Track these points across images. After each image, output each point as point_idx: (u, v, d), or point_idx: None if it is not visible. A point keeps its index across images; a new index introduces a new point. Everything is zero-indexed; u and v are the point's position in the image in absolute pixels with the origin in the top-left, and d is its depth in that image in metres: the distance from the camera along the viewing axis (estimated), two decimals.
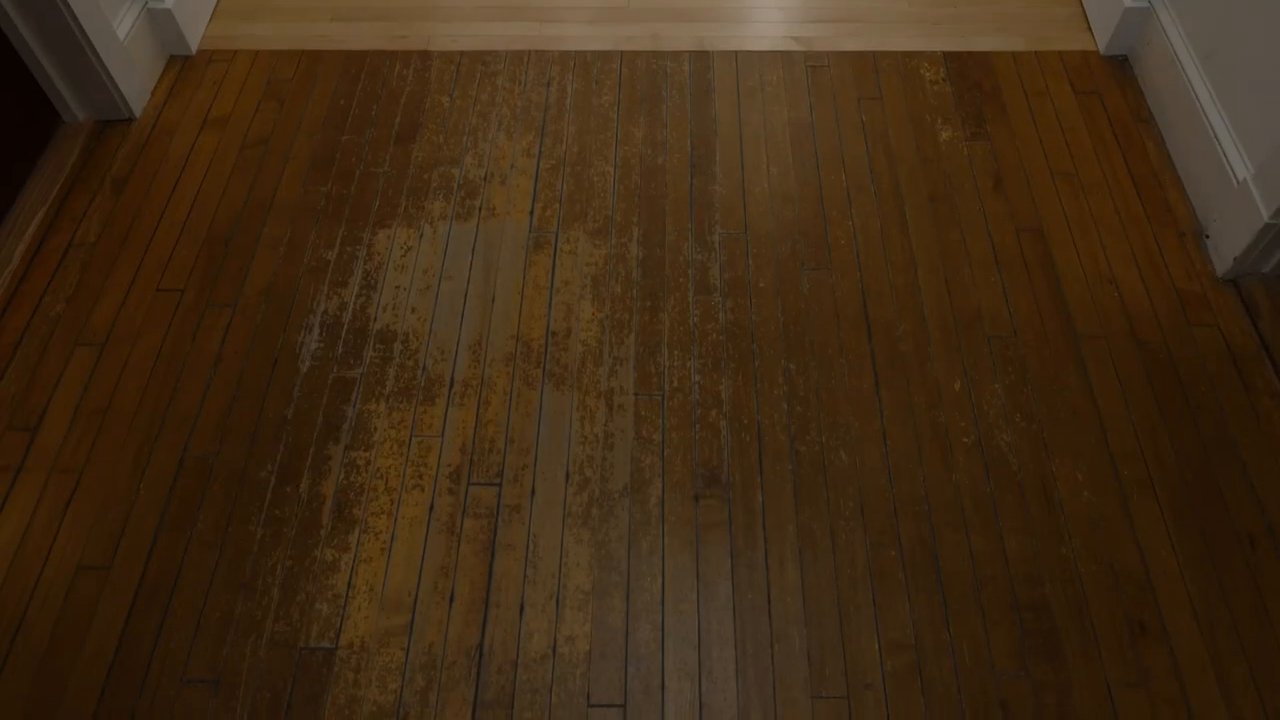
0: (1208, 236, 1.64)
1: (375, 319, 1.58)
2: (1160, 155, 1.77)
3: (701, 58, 1.95)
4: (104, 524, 1.37)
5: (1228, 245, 1.58)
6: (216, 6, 2.08)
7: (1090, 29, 1.98)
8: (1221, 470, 1.39)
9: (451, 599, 1.31)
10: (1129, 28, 1.88)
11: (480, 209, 1.72)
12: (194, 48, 1.99)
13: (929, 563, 1.32)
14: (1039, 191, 1.72)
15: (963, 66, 1.92)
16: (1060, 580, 1.30)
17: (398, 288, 1.62)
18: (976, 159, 1.77)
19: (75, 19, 1.66)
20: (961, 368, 1.50)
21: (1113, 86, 1.88)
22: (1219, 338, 1.52)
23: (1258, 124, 1.53)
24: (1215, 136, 1.62)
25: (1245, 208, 1.53)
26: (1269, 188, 1.48)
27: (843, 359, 1.52)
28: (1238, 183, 1.56)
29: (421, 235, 1.69)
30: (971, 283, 1.60)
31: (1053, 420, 1.44)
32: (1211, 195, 1.64)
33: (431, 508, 1.38)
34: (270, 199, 1.74)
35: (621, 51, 1.97)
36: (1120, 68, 1.91)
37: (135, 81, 1.85)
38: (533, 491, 1.40)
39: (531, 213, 1.72)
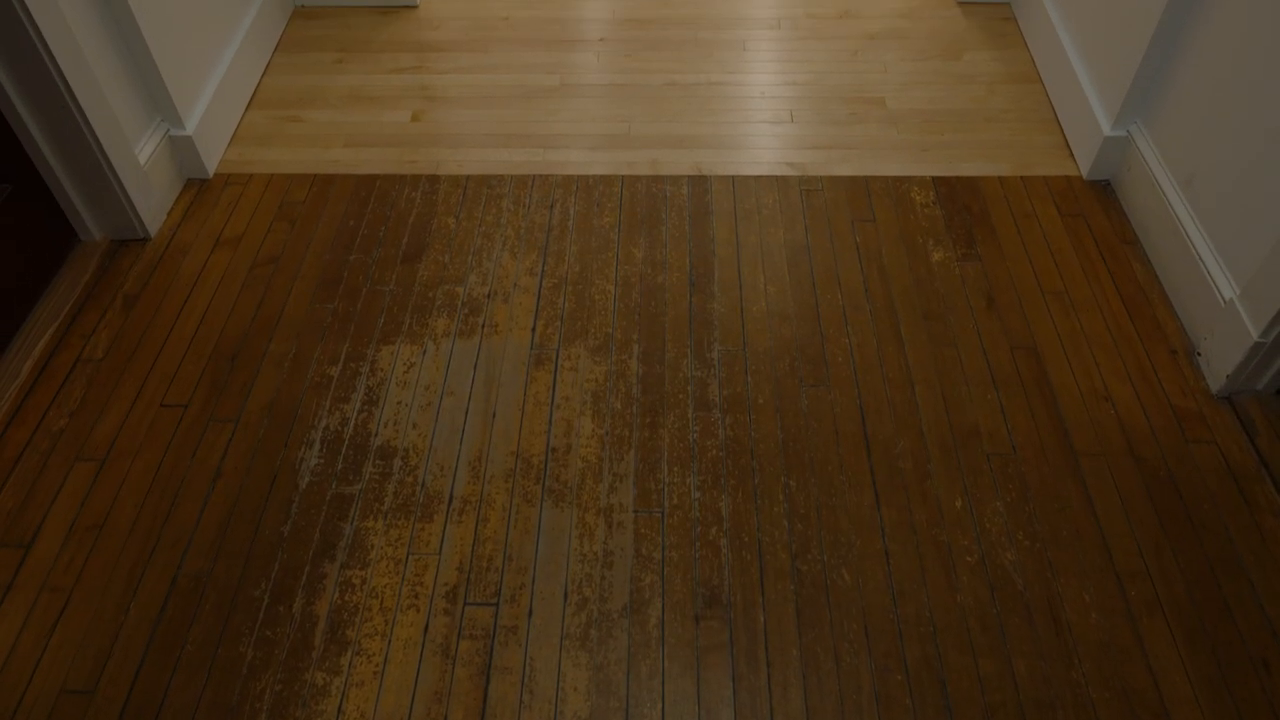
0: (1199, 354, 1.66)
1: (376, 434, 1.59)
2: (1147, 275, 1.81)
3: (700, 182, 2.03)
4: (91, 646, 1.34)
5: (1220, 363, 1.60)
6: (235, 133, 2.17)
7: (1073, 156, 2.07)
8: (1230, 591, 1.37)
9: None
10: (1109, 155, 1.96)
11: (483, 326, 1.75)
12: (211, 171, 2.07)
13: (936, 687, 1.29)
14: (1031, 310, 1.75)
15: (952, 190, 1.99)
16: (1072, 705, 1.26)
17: (399, 403, 1.63)
18: (968, 279, 1.81)
19: (99, 144, 1.74)
20: (962, 485, 1.50)
21: (1097, 209, 1.95)
22: (1217, 455, 1.53)
23: (1239, 245, 1.58)
24: (1199, 257, 1.67)
25: (1234, 327, 1.56)
26: (1255, 307, 1.51)
27: (843, 475, 1.52)
28: (1224, 302, 1.59)
29: (425, 351, 1.71)
30: (969, 400, 1.62)
31: (1056, 539, 1.43)
32: (1200, 314, 1.67)
33: (426, 629, 1.36)
34: (278, 316, 1.77)
35: (622, 176, 2.04)
36: (1103, 192, 1.98)
37: (152, 203, 1.92)
38: (530, 611, 1.37)
39: (533, 330, 1.75)
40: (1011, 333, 1.72)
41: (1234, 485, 1.49)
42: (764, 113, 2.20)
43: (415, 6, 2.55)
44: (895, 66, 2.32)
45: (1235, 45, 1.59)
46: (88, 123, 1.70)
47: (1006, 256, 1.85)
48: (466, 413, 1.62)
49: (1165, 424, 1.57)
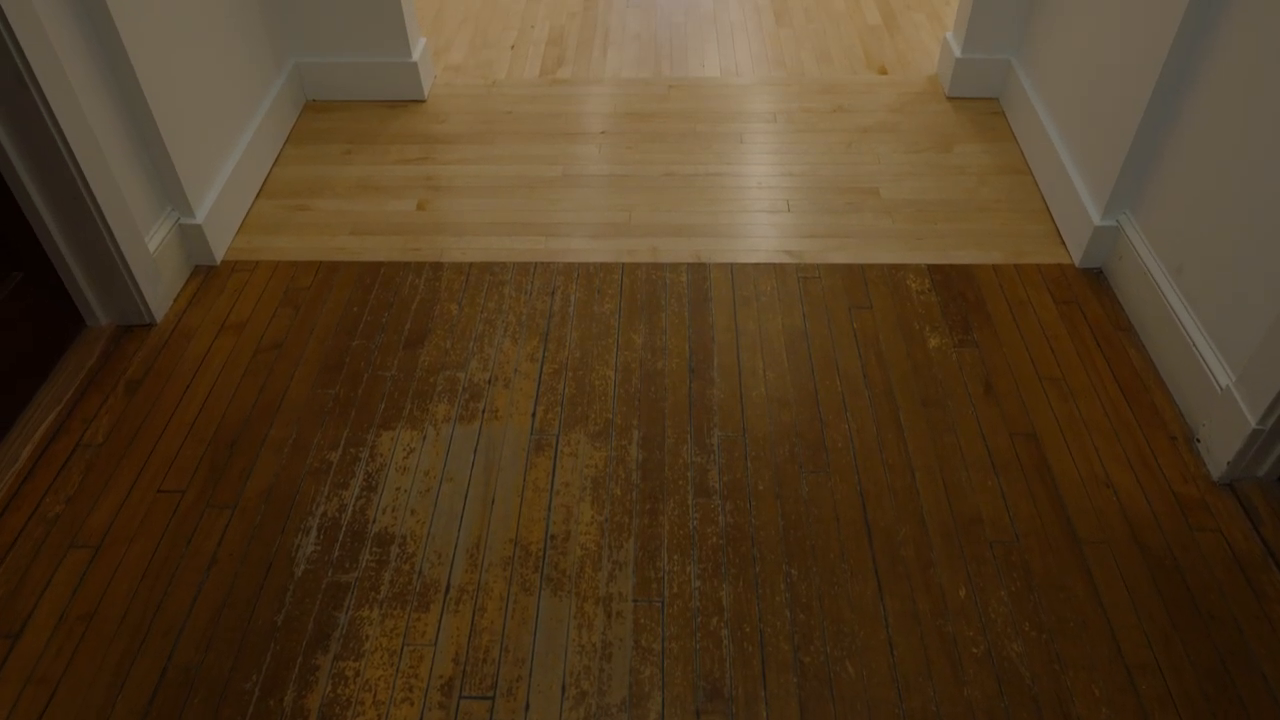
0: (1199, 440, 1.66)
1: (374, 521, 1.58)
2: (1143, 361, 1.83)
3: (699, 269, 2.06)
4: None
5: (1219, 450, 1.60)
6: (244, 221, 2.22)
7: (1064, 244, 2.11)
8: (1243, 684, 1.34)
9: None
10: (1100, 244, 2.00)
11: (483, 411, 1.76)
12: (219, 258, 2.11)
13: None
14: (1029, 396, 1.76)
15: (947, 278, 2.02)
16: None
17: (398, 489, 1.63)
18: (966, 365, 1.83)
19: (110, 232, 1.77)
20: (965, 574, 1.48)
21: (1090, 297, 1.97)
22: (1222, 543, 1.51)
23: (1233, 332, 1.60)
24: (1193, 345, 1.69)
25: (1231, 414, 1.56)
26: (1252, 394, 1.52)
27: (844, 564, 1.50)
28: (1221, 389, 1.60)
29: (425, 437, 1.72)
30: (969, 487, 1.61)
31: (1063, 630, 1.41)
32: (1197, 401, 1.68)
33: None
34: (279, 401, 1.78)
35: (623, 263, 2.08)
36: (1096, 279, 2.02)
37: (160, 290, 1.95)
38: (527, 705, 1.34)
39: (533, 415, 1.75)
40: (1010, 419, 1.72)
41: (1241, 574, 1.47)
42: (761, 202, 2.25)
43: (423, 101, 2.64)
44: (888, 158, 2.38)
45: (1220, 138, 1.64)
46: (101, 212, 1.74)
47: (1003, 343, 1.87)
48: (465, 499, 1.61)
49: (1168, 511, 1.56)
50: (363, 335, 1.92)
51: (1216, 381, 1.62)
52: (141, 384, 1.82)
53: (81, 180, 1.68)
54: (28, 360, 1.76)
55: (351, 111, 2.60)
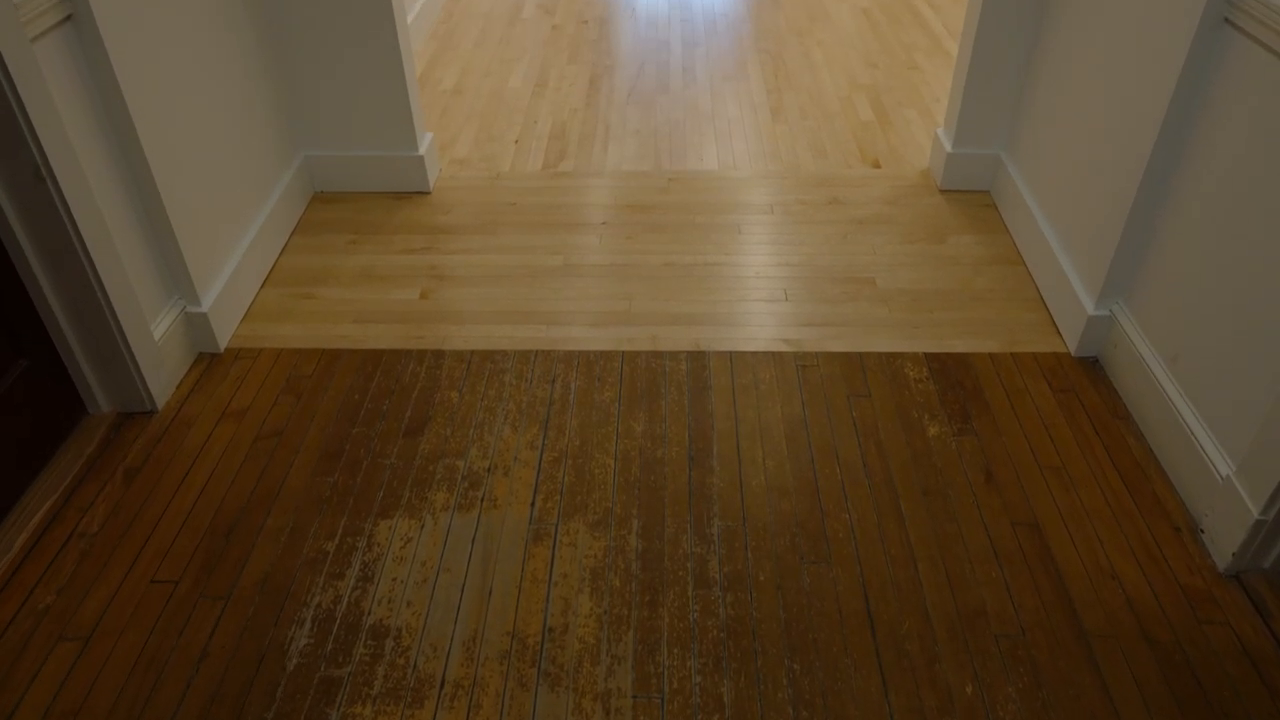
0: (1203, 531, 1.65)
1: (369, 613, 1.55)
2: (1143, 450, 1.83)
3: (698, 357, 2.08)
4: None
5: (1224, 541, 1.58)
6: (248, 309, 2.25)
7: (1059, 333, 2.13)
8: None
9: None
10: (1095, 333, 2.02)
11: (482, 500, 1.75)
12: (222, 346, 2.13)
13: None
14: (1030, 485, 1.76)
15: (944, 366, 2.04)
16: None
17: (395, 580, 1.61)
18: (965, 453, 1.83)
19: (117, 322, 1.80)
20: (971, 669, 1.45)
21: (1087, 385, 1.99)
22: (1232, 636, 1.49)
23: (1231, 422, 1.60)
24: (1192, 434, 1.69)
25: (1234, 504, 1.55)
26: (1253, 484, 1.51)
27: (848, 658, 1.47)
28: (1222, 479, 1.60)
29: (423, 526, 1.70)
30: (973, 578, 1.59)
31: None
32: (1199, 490, 1.67)
33: None
34: (277, 489, 1.77)
35: (623, 351, 2.10)
36: (1092, 368, 2.03)
37: (163, 377, 1.96)
38: None
39: (532, 504, 1.74)
40: (1012, 508, 1.71)
41: (1253, 669, 1.44)
42: (759, 291, 2.29)
43: (428, 193, 2.71)
44: (883, 249, 2.43)
45: (1208, 229, 1.68)
46: (109, 302, 1.76)
47: (1002, 431, 1.87)
48: (462, 590, 1.59)
49: (1175, 604, 1.54)
50: (363, 423, 1.92)
51: (1217, 471, 1.61)
52: (140, 472, 1.82)
53: (92, 271, 1.72)
54: (28, 447, 1.76)
55: (358, 202, 2.66)
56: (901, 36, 3.71)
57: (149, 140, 1.84)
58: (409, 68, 2.55)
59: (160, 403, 1.96)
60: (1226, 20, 1.59)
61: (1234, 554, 1.56)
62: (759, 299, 2.26)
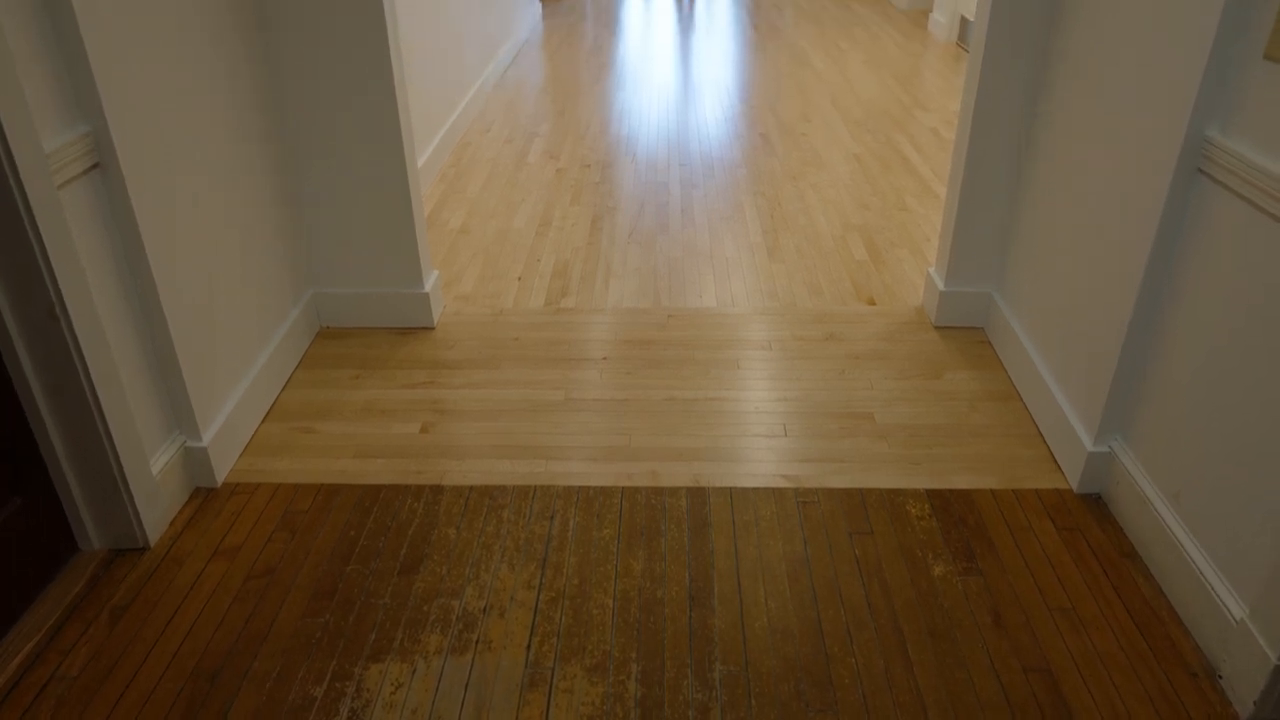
0: (1221, 677, 1.59)
1: None
2: (1153, 590, 1.79)
3: (698, 493, 2.07)
4: None
5: (1243, 688, 1.53)
6: (248, 443, 2.25)
7: (1060, 469, 2.12)
8: None
9: None
10: (1095, 470, 2.01)
11: (477, 643, 1.70)
12: (220, 481, 2.12)
13: None
14: (1039, 628, 1.71)
15: (946, 503, 2.02)
16: None
17: None
18: (971, 594, 1.79)
19: (117, 458, 1.80)
20: None
21: (1092, 523, 1.96)
22: None
23: (1241, 561, 1.58)
24: (1201, 574, 1.66)
25: (1250, 649, 1.51)
26: (1269, 628, 1.48)
27: None
28: (1236, 622, 1.56)
29: (415, 671, 1.65)
30: None
31: None
32: (1213, 633, 1.63)
33: None
34: (267, 630, 1.73)
35: (622, 487, 2.09)
36: (1096, 505, 2.02)
37: (157, 513, 1.94)
38: None
39: (528, 647, 1.69)
40: (1022, 652, 1.66)
41: None
42: (759, 427, 2.29)
43: (432, 328, 2.76)
44: (880, 384, 2.46)
45: (1201, 365, 1.70)
46: (111, 440, 1.77)
47: (1008, 571, 1.84)
48: None
49: None
50: (358, 560, 1.89)
51: (1230, 614, 1.58)
52: (126, 611, 1.77)
53: (96, 409, 1.73)
54: (15, 584, 1.72)
55: (363, 338, 2.71)
56: (892, 180, 3.87)
57: (163, 281, 1.89)
58: (418, 209, 2.65)
59: (153, 539, 1.94)
60: (1200, 171, 1.67)
61: (1255, 701, 1.50)
62: (758, 434, 2.27)
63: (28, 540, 1.75)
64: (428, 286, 2.72)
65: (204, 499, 2.07)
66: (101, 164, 1.74)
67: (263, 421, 2.34)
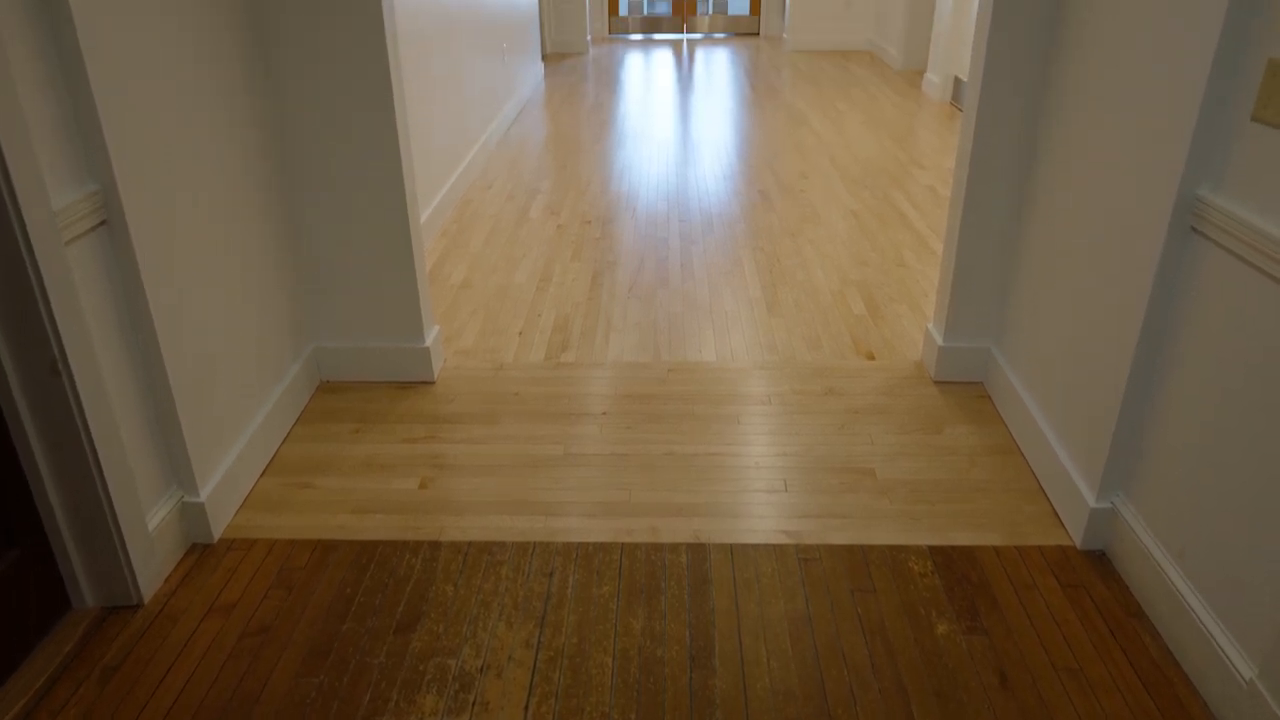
0: None
1: None
2: (1160, 649, 1.76)
3: (698, 550, 2.05)
4: None
5: None
6: (246, 499, 2.24)
7: (1063, 525, 2.11)
8: None
9: None
10: (1098, 526, 2.00)
11: (473, 704, 1.67)
12: (216, 537, 2.10)
13: None
14: (1046, 689, 1.68)
15: (949, 560, 2.01)
16: None
17: None
18: (976, 654, 1.76)
19: (113, 512, 1.79)
20: None
21: (1096, 581, 1.94)
22: None
23: (1248, 620, 1.56)
24: (1209, 634, 1.64)
25: (1260, 710, 1.48)
26: (1279, 687, 1.45)
27: None
28: (1245, 683, 1.53)
29: None
30: None
31: None
32: (1223, 694, 1.60)
33: None
34: (260, 691, 1.70)
35: (622, 543, 2.07)
36: (1100, 562, 2.00)
37: (152, 569, 1.93)
38: None
39: (526, 708, 1.66)
40: (1029, 714, 1.63)
41: None
42: (759, 482, 2.28)
43: (432, 383, 2.76)
44: (881, 439, 2.45)
45: (1201, 421, 1.70)
46: (109, 495, 1.76)
47: (1013, 630, 1.82)
48: None
49: None
50: (354, 618, 1.87)
51: (1239, 674, 1.55)
52: (118, 671, 1.74)
53: (95, 464, 1.73)
54: (5, 643, 1.70)
55: (363, 392, 2.71)
56: (889, 236, 3.91)
57: (165, 337, 1.90)
58: (420, 265, 2.67)
59: (147, 596, 1.91)
60: (1193, 229, 1.69)
61: None
62: (759, 489, 2.26)
63: (21, 597, 1.73)
64: (428, 341, 2.74)
65: (200, 555, 2.05)
66: (109, 221, 1.76)
67: (261, 476, 2.33)
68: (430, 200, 3.98)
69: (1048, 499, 2.20)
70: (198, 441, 2.04)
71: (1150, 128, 1.77)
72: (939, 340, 2.70)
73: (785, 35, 8.98)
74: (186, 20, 1.98)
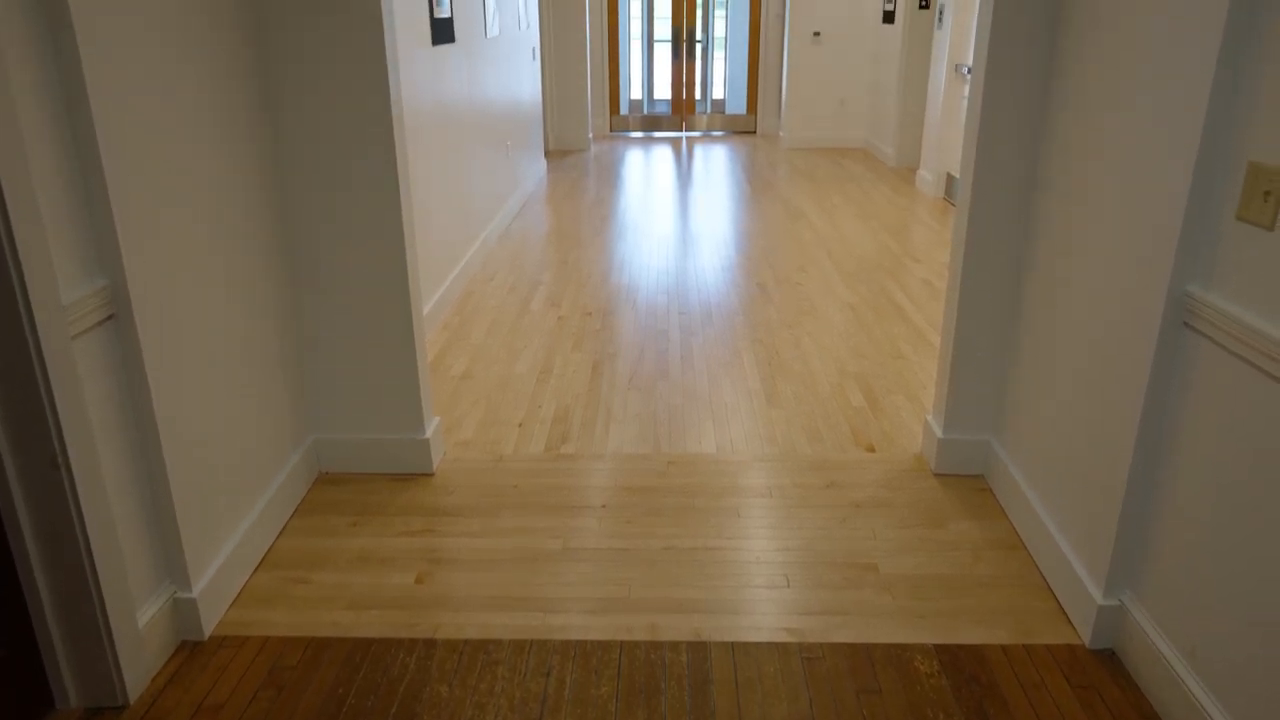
0: None
1: None
2: None
3: (699, 648, 2.01)
4: None
5: None
6: (239, 594, 2.20)
7: (1071, 623, 2.07)
8: None
9: None
10: (1107, 624, 1.96)
11: None
12: (207, 634, 2.06)
13: None
14: None
15: (955, 660, 1.96)
16: None
17: None
18: None
19: (104, 610, 1.75)
20: None
21: (1107, 680, 1.90)
22: None
23: None
24: None
25: None
26: None
27: None
28: None
29: None
30: None
31: None
32: None
33: None
34: None
35: (621, 641, 2.03)
36: (1110, 661, 1.95)
37: (140, 668, 1.88)
38: None
39: None
40: None
41: None
42: (760, 577, 2.25)
43: (431, 474, 2.75)
44: (883, 533, 2.43)
45: (1205, 516, 1.68)
46: (100, 592, 1.73)
47: None
48: None
49: None
50: None
51: None
52: None
53: (89, 560, 1.71)
54: None
55: (361, 483, 2.70)
56: (886, 329, 3.95)
57: (166, 431, 1.90)
58: (421, 357, 2.70)
59: (133, 696, 1.86)
60: (1186, 325, 1.71)
61: None
62: (760, 585, 2.22)
63: (3, 695, 1.69)
64: (428, 433, 2.74)
65: (190, 652, 2.01)
66: (116, 315, 1.78)
67: (255, 570, 2.29)
68: (433, 293, 4.04)
69: (1054, 595, 2.16)
70: (193, 536, 2.02)
71: (1140, 225, 1.82)
72: (938, 432, 2.70)
73: (781, 133, 9.26)
74: (203, 131, 2.05)
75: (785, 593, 2.19)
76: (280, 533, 2.46)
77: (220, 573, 2.11)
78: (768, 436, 2.98)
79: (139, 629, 1.87)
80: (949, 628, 2.06)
